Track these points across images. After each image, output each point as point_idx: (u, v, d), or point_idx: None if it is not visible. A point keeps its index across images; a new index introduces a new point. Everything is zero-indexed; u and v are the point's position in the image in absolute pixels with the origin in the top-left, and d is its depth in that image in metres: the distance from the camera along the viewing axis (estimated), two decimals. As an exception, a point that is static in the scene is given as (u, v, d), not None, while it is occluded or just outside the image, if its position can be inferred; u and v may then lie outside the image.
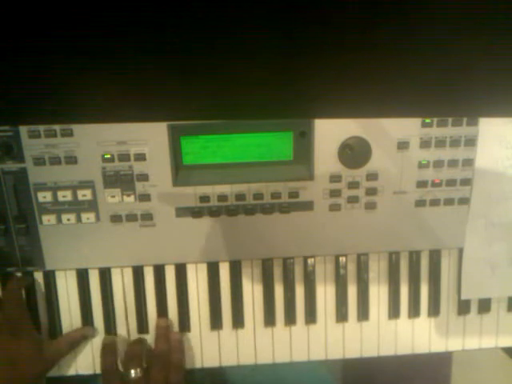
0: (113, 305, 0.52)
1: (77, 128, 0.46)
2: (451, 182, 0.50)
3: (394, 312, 0.54)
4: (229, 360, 0.54)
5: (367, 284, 0.53)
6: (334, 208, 0.50)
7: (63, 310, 0.52)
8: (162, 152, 0.47)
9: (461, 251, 0.53)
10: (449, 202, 0.51)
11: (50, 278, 0.52)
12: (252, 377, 0.60)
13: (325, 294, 0.54)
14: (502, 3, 0.14)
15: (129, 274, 0.52)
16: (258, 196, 0.49)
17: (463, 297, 0.53)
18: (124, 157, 0.47)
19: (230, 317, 0.53)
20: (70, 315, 0.52)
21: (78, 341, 0.52)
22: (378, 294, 0.54)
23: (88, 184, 0.48)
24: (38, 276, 0.52)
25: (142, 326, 0.53)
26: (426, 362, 0.64)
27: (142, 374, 0.49)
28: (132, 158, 0.47)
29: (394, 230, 0.51)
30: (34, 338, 0.49)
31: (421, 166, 0.49)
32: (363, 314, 0.54)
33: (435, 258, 0.53)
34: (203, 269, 0.52)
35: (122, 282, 0.52)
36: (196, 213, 0.49)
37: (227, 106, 0.19)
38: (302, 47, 0.15)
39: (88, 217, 0.49)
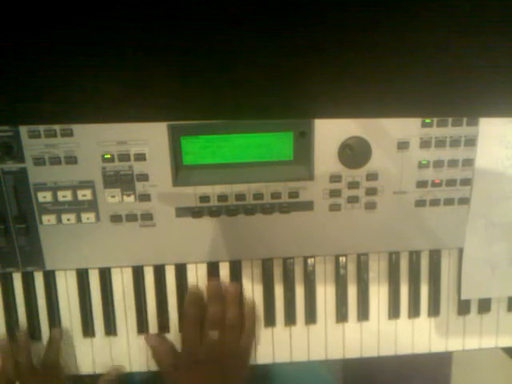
0: (113, 305, 0.52)
1: (77, 128, 0.46)
2: (451, 182, 0.50)
3: (393, 312, 0.54)
4: (229, 360, 0.54)
5: (367, 284, 0.53)
6: (334, 208, 0.50)
7: (63, 309, 0.52)
8: (161, 152, 0.47)
9: (461, 251, 0.53)
10: (449, 201, 0.51)
11: (50, 277, 0.51)
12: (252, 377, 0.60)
13: (325, 294, 0.53)
14: (502, 3, 0.14)
15: (129, 273, 0.52)
16: (258, 196, 0.49)
17: (463, 297, 0.53)
18: (124, 157, 0.47)
19: (230, 317, 0.53)
20: (69, 315, 0.52)
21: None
22: (378, 294, 0.54)
23: (88, 184, 0.48)
24: (38, 276, 0.52)
25: (142, 325, 0.53)
26: (425, 362, 0.64)
27: (218, 337, 0.49)
28: (132, 158, 0.47)
29: (394, 230, 0.51)
30: None
31: (421, 165, 0.49)
32: (363, 313, 0.54)
33: (435, 258, 0.53)
34: (203, 269, 0.52)
35: (121, 282, 0.52)
36: (196, 213, 0.49)
37: (227, 106, 0.19)
38: (302, 47, 0.15)
39: (88, 217, 0.49)
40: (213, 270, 0.52)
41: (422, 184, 0.50)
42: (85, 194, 0.48)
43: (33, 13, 0.13)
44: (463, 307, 0.54)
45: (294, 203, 0.50)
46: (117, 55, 0.15)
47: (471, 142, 0.49)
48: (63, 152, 0.47)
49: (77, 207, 0.48)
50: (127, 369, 0.53)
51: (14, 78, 0.17)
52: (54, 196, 0.48)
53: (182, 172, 0.49)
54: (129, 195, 0.48)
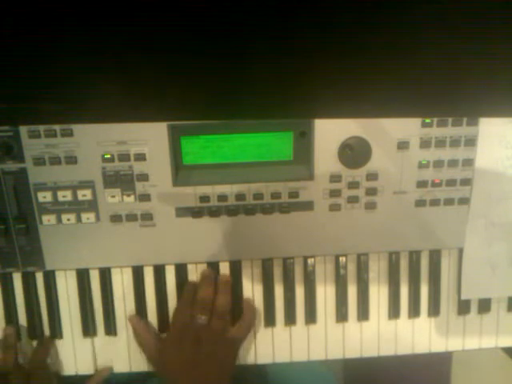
0: (113, 305, 0.52)
1: (77, 128, 0.46)
2: (451, 182, 0.50)
3: (394, 312, 0.54)
4: (229, 360, 0.54)
5: (367, 284, 0.53)
6: (334, 208, 0.50)
7: (63, 309, 0.52)
8: (162, 152, 0.47)
9: (461, 251, 0.53)
10: (449, 201, 0.51)
11: (50, 277, 0.52)
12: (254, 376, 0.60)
13: (325, 294, 0.53)
14: (501, 4, 0.14)
15: (129, 273, 0.52)
16: (258, 196, 0.49)
17: (463, 297, 0.53)
18: (124, 157, 0.47)
19: (230, 317, 0.53)
20: (69, 315, 0.52)
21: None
22: (378, 294, 0.54)
23: (88, 184, 0.48)
24: (38, 276, 0.52)
25: (142, 325, 0.53)
26: (426, 362, 0.64)
27: (206, 322, 0.49)
28: (132, 157, 0.47)
29: (394, 230, 0.51)
30: None
31: (421, 165, 0.49)
32: (363, 314, 0.54)
33: (435, 258, 0.53)
34: (203, 269, 0.52)
35: (121, 282, 0.52)
36: (196, 213, 0.49)
37: (227, 106, 0.19)
38: (302, 48, 0.15)
39: (88, 217, 0.49)
40: (213, 270, 0.52)
41: (422, 184, 0.50)
42: (85, 194, 0.48)
43: (33, 13, 0.13)
44: (463, 307, 0.54)
45: (293, 203, 0.50)
46: (117, 55, 0.15)
47: (471, 141, 0.49)
48: (63, 152, 0.47)
49: (77, 207, 0.48)
50: (127, 369, 0.53)
51: (14, 78, 0.17)
52: (54, 196, 0.48)
53: (181, 172, 0.49)
54: (129, 195, 0.48)
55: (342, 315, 0.54)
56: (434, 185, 0.50)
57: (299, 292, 0.53)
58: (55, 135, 0.46)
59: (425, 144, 0.48)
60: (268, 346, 0.54)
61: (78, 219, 0.49)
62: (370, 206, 0.50)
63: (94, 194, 0.48)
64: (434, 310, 0.54)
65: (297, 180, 0.49)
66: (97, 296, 0.52)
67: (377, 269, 0.53)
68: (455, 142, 0.49)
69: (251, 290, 0.53)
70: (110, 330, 0.52)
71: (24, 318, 0.52)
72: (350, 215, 0.50)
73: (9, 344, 0.50)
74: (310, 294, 0.53)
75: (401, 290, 0.54)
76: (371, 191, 0.50)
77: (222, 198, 0.49)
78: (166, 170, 0.48)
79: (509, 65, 0.16)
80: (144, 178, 0.48)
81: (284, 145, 0.49)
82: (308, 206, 0.50)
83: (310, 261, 0.53)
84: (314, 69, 0.16)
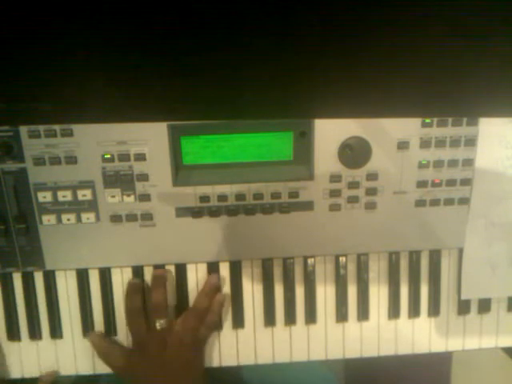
0: (113, 305, 0.52)
1: (77, 128, 0.46)
2: (451, 182, 0.50)
3: (394, 312, 0.54)
4: (229, 360, 0.54)
5: (367, 284, 0.53)
6: (334, 208, 0.50)
7: (63, 309, 0.52)
8: (162, 152, 0.47)
9: (461, 251, 0.53)
10: (449, 201, 0.51)
11: (50, 277, 0.51)
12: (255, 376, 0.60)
13: (325, 294, 0.53)
14: (501, 5, 0.14)
15: (129, 274, 0.52)
16: (258, 196, 0.49)
17: (463, 297, 0.53)
18: (124, 157, 0.47)
19: (230, 317, 0.53)
20: (69, 315, 0.52)
21: None
22: (378, 294, 0.54)
23: (88, 184, 0.48)
24: (38, 276, 0.52)
25: (142, 326, 0.53)
26: (426, 361, 0.64)
27: (166, 324, 0.49)
28: (132, 157, 0.47)
29: (394, 230, 0.51)
30: None
31: (421, 165, 0.49)
32: (363, 314, 0.54)
33: (435, 258, 0.53)
34: (203, 269, 0.52)
35: (121, 282, 0.52)
36: (196, 213, 0.49)
37: (227, 105, 0.19)
38: (303, 48, 0.15)
39: (88, 217, 0.49)
40: (213, 269, 0.52)
41: (421, 184, 0.50)
42: (85, 194, 0.48)
43: (32, 13, 0.13)
44: (463, 307, 0.54)
45: (293, 203, 0.50)
46: (117, 55, 0.15)
47: (471, 142, 0.49)
48: (63, 152, 0.47)
49: (77, 207, 0.48)
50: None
51: (14, 78, 0.17)
52: (54, 196, 0.48)
53: (182, 172, 0.49)
54: (129, 195, 0.48)
55: (342, 315, 0.54)
56: (434, 185, 0.50)
57: (299, 292, 0.53)
58: (55, 135, 0.46)
59: (425, 144, 0.48)
60: (268, 346, 0.54)
61: (78, 219, 0.49)
62: (370, 206, 0.50)
63: (94, 193, 0.48)
64: (434, 309, 0.54)
65: (297, 180, 0.49)
66: (97, 296, 0.52)
67: (377, 269, 0.53)
68: (455, 142, 0.49)
69: (251, 289, 0.53)
70: (110, 330, 0.52)
71: (24, 317, 0.52)
72: (350, 215, 0.50)
73: None
74: (310, 293, 0.53)
75: (401, 290, 0.54)
76: (371, 191, 0.50)
77: (222, 197, 0.49)
78: (166, 170, 0.48)
79: (509, 64, 0.16)
80: (144, 178, 0.48)
81: (284, 145, 0.49)
82: (308, 205, 0.50)
83: (310, 261, 0.53)
84: (314, 69, 0.16)
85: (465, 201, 0.51)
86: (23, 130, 0.46)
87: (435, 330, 0.55)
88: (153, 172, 0.48)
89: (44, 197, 0.48)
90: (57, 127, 0.46)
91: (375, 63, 0.16)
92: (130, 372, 0.50)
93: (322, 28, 0.14)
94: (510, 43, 0.15)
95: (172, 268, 0.52)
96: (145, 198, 0.48)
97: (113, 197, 0.48)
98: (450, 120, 0.48)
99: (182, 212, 0.49)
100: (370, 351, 0.55)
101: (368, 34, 0.15)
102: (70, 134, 0.46)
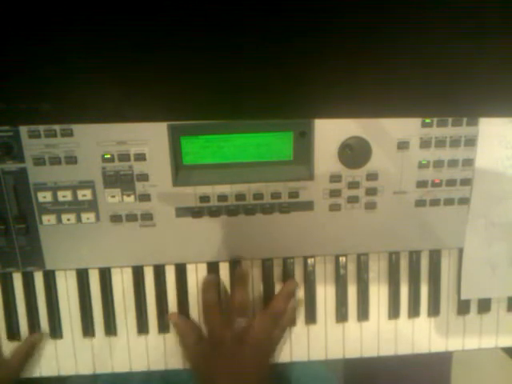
0: (113, 305, 0.52)
1: (77, 128, 0.46)
2: (451, 182, 0.50)
3: (393, 312, 0.54)
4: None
5: (367, 284, 0.53)
6: (334, 208, 0.50)
7: (63, 309, 0.52)
8: (162, 152, 0.47)
9: (461, 251, 0.53)
10: (449, 201, 0.51)
11: (50, 277, 0.52)
12: None
13: (325, 294, 0.54)
14: (501, 5, 0.14)
15: (129, 273, 0.52)
16: (258, 196, 0.49)
17: (463, 297, 0.53)
18: (124, 157, 0.47)
19: (230, 317, 0.53)
20: (69, 315, 0.52)
21: (30, 351, 0.51)
22: (378, 294, 0.54)
23: (88, 184, 0.48)
24: (38, 276, 0.52)
25: (142, 325, 0.53)
26: (426, 362, 0.64)
27: (246, 323, 0.49)
28: (132, 158, 0.47)
29: (394, 230, 0.51)
30: None
31: (421, 165, 0.49)
32: (363, 314, 0.54)
33: (435, 258, 0.53)
34: (203, 269, 0.52)
35: (121, 282, 0.52)
36: (196, 213, 0.49)
37: (227, 106, 0.19)
38: (303, 49, 0.15)
39: (88, 217, 0.49)
40: (213, 270, 0.52)
41: (421, 184, 0.50)
42: (85, 194, 0.48)
43: (32, 13, 0.13)
44: (463, 307, 0.54)
45: (293, 203, 0.50)
46: (117, 55, 0.15)
47: (471, 142, 0.49)
48: (63, 152, 0.47)
49: (77, 207, 0.48)
50: (127, 369, 0.53)
51: (14, 78, 0.17)
52: (54, 196, 0.48)
53: (182, 172, 0.49)
54: (129, 195, 0.48)
55: (341, 315, 0.54)
56: (434, 185, 0.50)
57: (299, 292, 0.53)
58: (55, 135, 0.46)
59: (425, 144, 0.48)
60: (268, 345, 0.54)
61: (78, 219, 0.49)
62: (370, 206, 0.50)
63: (94, 193, 0.48)
64: (434, 309, 0.54)
65: (297, 180, 0.49)
66: (97, 296, 0.52)
67: (377, 269, 0.53)
68: (455, 142, 0.49)
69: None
70: (110, 330, 0.52)
71: (24, 317, 0.52)
72: (350, 215, 0.50)
73: None
74: (309, 294, 0.53)
75: (401, 290, 0.54)
76: (371, 191, 0.50)
77: (222, 197, 0.49)
78: (165, 170, 0.48)
79: (509, 64, 0.16)
80: (144, 178, 0.48)
81: (284, 145, 0.49)
82: (308, 205, 0.50)
83: (310, 261, 0.53)
84: (314, 69, 0.16)
85: (465, 201, 0.51)
86: (23, 130, 0.46)
87: (435, 329, 0.55)
88: (153, 172, 0.48)
89: (44, 197, 0.48)
90: (57, 127, 0.46)
91: (375, 64, 0.16)
92: (203, 362, 0.50)
93: (322, 29, 0.14)
94: (509, 43, 0.15)
95: (172, 268, 0.52)
96: (145, 198, 0.48)
97: (113, 197, 0.48)
98: (449, 120, 0.48)
99: (182, 212, 0.49)
100: (370, 351, 0.55)
101: (368, 35, 0.15)
102: (70, 134, 0.46)
